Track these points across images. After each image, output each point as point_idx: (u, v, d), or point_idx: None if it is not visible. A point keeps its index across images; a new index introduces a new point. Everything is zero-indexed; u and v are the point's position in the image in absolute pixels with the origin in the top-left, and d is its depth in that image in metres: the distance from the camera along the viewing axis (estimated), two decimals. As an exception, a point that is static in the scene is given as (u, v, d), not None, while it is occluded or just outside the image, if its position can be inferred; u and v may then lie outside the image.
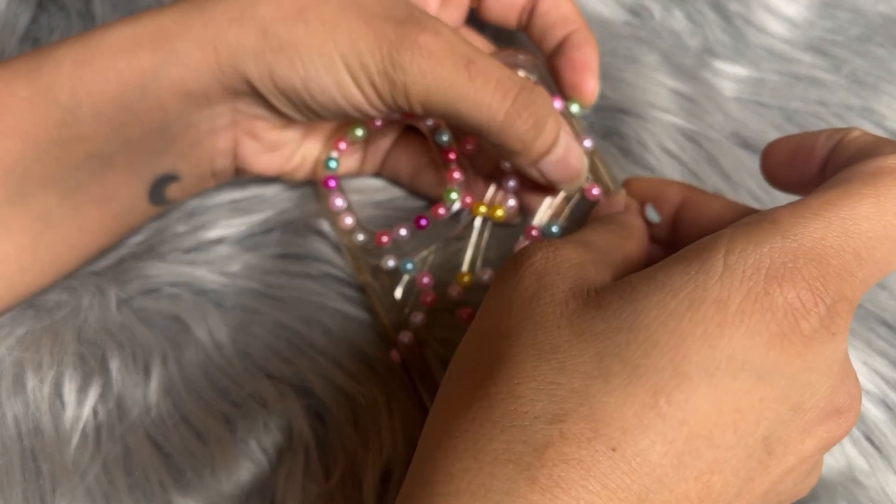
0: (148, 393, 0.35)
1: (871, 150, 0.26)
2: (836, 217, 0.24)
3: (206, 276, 0.38)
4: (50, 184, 0.33)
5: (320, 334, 0.37)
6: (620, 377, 0.23)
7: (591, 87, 0.37)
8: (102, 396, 0.35)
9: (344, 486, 0.33)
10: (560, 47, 0.38)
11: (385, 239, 0.37)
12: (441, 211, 0.37)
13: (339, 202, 0.37)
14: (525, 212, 0.38)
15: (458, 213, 0.37)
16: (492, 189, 0.38)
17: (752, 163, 0.41)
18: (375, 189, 0.41)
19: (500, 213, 0.37)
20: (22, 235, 0.34)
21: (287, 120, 0.35)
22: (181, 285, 0.38)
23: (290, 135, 0.37)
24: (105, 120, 0.32)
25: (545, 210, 0.37)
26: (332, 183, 0.38)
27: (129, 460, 0.34)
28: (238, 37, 0.32)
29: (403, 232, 0.37)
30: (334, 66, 0.32)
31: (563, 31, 0.38)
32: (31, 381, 0.35)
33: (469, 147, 0.37)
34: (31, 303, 0.37)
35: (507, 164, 0.37)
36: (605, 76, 0.42)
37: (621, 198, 0.35)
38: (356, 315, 0.37)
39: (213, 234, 0.39)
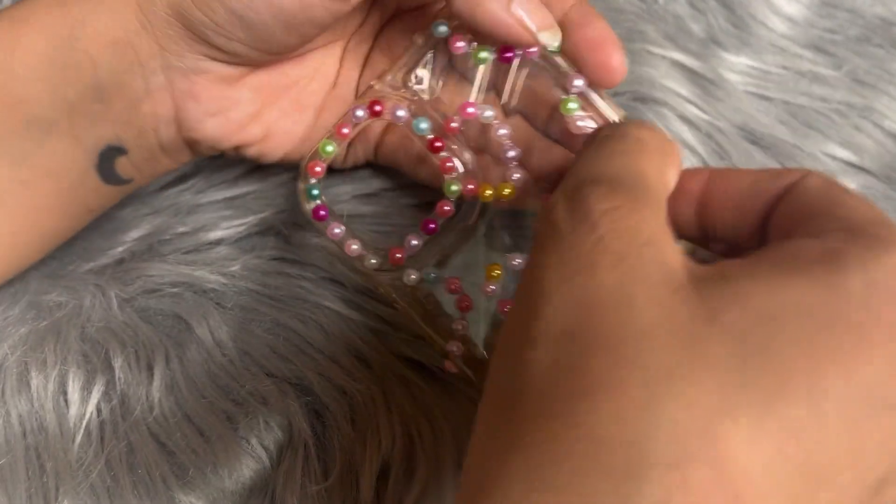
0: (151, 391, 0.36)
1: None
2: None
3: (207, 276, 0.38)
4: None
5: (318, 333, 0.37)
6: (750, 414, 0.19)
7: (616, 63, 0.31)
8: (106, 394, 0.36)
9: (342, 482, 0.34)
10: (564, 27, 0.32)
11: (399, 255, 0.34)
12: (447, 208, 0.33)
13: (336, 230, 0.34)
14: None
15: (464, 202, 0.34)
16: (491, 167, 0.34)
17: (758, 155, 0.41)
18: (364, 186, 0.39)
19: (508, 190, 0.33)
20: None
21: (228, 68, 0.33)
22: (182, 285, 0.38)
23: (236, 94, 0.34)
24: (42, 79, 0.32)
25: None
26: (323, 213, 0.34)
27: (132, 458, 0.35)
28: None
29: (415, 242, 0.34)
30: None
31: (558, 10, 0.32)
32: (35, 380, 0.35)
33: (454, 126, 0.33)
34: (33, 303, 0.37)
35: (500, 132, 0.33)
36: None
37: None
38: (353, 314, 0.37)
39: (213, 235, 0.39)
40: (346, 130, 0.34)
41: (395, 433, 0.35)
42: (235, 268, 0.38)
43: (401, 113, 0.33)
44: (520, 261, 0.33)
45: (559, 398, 0.20)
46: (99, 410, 0.35)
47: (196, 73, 0.32)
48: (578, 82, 0.32)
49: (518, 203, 0.34)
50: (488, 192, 0.33)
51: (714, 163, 0.41)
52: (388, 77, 0.34)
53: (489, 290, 0.33)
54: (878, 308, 0.20)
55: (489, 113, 0.33)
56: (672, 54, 0.43)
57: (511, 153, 0.33)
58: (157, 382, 0.36)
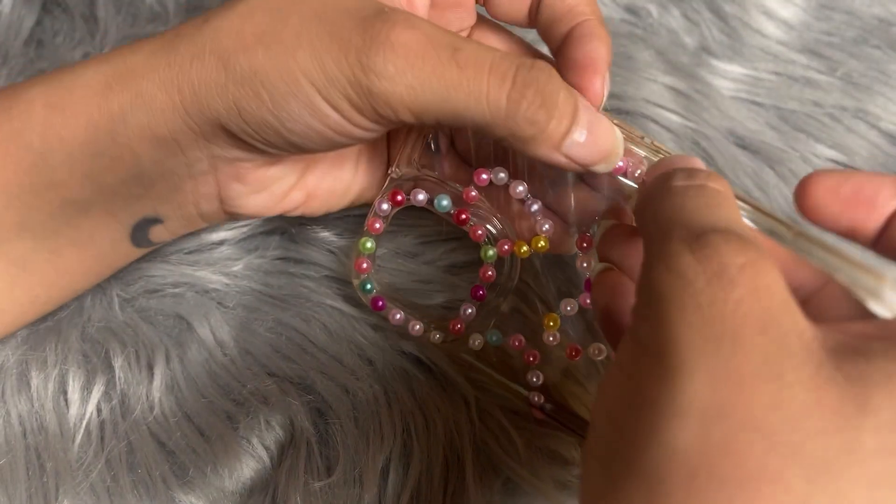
0: (151, 391, 0.36)
1: None
2: None
3: (209, 276, 0.38)
4: (24, 230, 0.32)
5: (321, 332, 0.37)
6: None
7: (595, 89, 0.31)
8: (106, 394, 0.36)
9: (345, 480, 0.34)
10: (564, 42, 0.32)
11: (459, 326, 0.35)
12: (489, 273, 0.35)
13: (398, 316, 0.36)
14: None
15: (504, 261, 0.35)
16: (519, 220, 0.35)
17: (748, 160, 0.42)
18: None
19: (542, 243, 0.34)
20: None
21: (270, 156, 0.32)
22: (184, 285, 0.38)
23: (279, 171, 0.33)
24: (77, 166, 0.31)
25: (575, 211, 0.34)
26: (381, 303, 0.36)
27: (132, 457, 0.35)
28: (200, 74, 0.29)
29: (470, 310, 0.35)
30: (301, 90, 0.29)
31: (570, 24, 0.32)
32: (35, 380, 0.35)
33: (474, 194, 0.34)
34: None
35: (518, 190, 0.34)
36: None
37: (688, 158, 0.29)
38: (355, 313, 0.38)
39: (216, 236, 0.39)
40: (378, 225, 0.35)
41: (397, 430, 0.35)
42: (238, 268, 0.38)
43: (420, 196, 0.35)
44: (572, 306, 0.34)
45: (714, 482, 0.19)
46: (99, 410, 0.35)
47: (240, 160, 0.32)
48: None
49: (556, 250, 0.35)
50: (524, 248, 0.34)
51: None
52: (402, 164, 0.35)
53: (550, 339, 0.35)
54: None
55: (502, 175, 0.34)
56: (662, 78, 0.43)
57: (534, 207, 0.34)
58: (157, 382, 0.36)
